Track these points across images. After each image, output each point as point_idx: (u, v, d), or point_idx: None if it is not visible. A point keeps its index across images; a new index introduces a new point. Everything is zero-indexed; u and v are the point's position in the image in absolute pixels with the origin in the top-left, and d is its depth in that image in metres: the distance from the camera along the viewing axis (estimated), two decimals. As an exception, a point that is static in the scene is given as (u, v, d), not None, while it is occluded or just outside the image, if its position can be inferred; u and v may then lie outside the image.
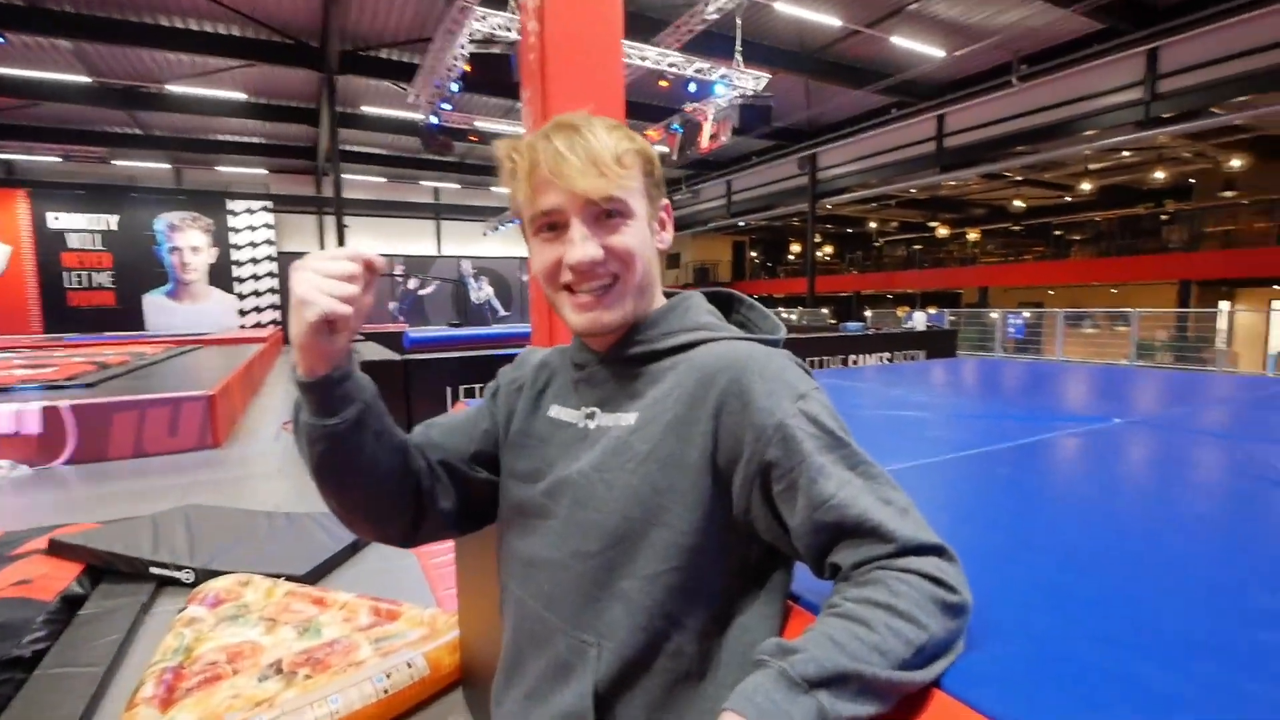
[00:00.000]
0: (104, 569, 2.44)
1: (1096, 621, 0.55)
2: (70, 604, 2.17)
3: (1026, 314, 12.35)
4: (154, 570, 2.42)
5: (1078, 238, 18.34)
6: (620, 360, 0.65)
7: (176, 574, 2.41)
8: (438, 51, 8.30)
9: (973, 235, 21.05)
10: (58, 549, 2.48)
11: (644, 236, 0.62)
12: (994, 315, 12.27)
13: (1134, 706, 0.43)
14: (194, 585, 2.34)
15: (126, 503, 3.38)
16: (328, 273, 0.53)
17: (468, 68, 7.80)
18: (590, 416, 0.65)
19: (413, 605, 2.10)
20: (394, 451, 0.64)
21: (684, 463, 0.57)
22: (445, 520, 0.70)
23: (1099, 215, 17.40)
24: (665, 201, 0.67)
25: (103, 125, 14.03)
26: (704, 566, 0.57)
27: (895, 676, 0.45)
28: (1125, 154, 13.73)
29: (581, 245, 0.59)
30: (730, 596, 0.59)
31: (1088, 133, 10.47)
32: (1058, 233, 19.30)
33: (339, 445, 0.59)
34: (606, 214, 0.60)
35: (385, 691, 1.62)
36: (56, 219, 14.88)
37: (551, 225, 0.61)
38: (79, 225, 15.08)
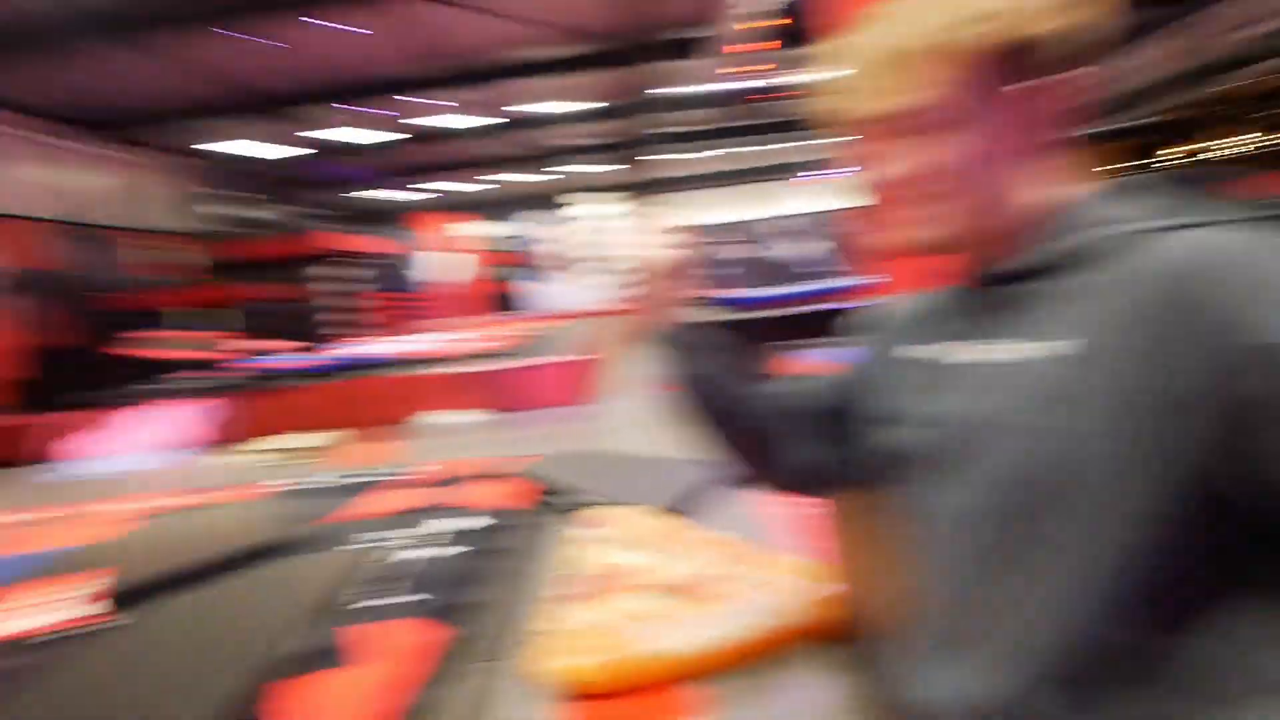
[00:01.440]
0: (540, 493, 3.28)
1: None
2: (519, 516, 2.98)
3: None
4: (554, 499, 3.13)
5: None
6: (1005, 278, 0.52)
7: (575, 499, 3.08)
8: (729, 17, 8.38)
9: None
10: (522, 474, 3.42)
11: (958, 147, 0.50)
12: None
13: None
14: (582, 511, 2.95)
15: (536, 444, 4.45)
16: (659, 235, 0.70)
17: (759, 24, 7.73)
18: (961, 350, 0.55)
19: (786, 552, 2.22)
20: (759, 396, 0.70)
21: (1111, 404, 0.43)
22: (819, 471, 0.72)
23: None
24: (1035, 83, 0.48)
25: (490, 151, 18.52)
26: (1144, 542, 0.43)
27: None
28: None
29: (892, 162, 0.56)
30: (1192, 586, 0.43)
31: None
32: None
33: (703, 390, 0.69)
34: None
35: (764, 630, 1.75)
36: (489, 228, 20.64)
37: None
38: (495, 233, 20.75)
